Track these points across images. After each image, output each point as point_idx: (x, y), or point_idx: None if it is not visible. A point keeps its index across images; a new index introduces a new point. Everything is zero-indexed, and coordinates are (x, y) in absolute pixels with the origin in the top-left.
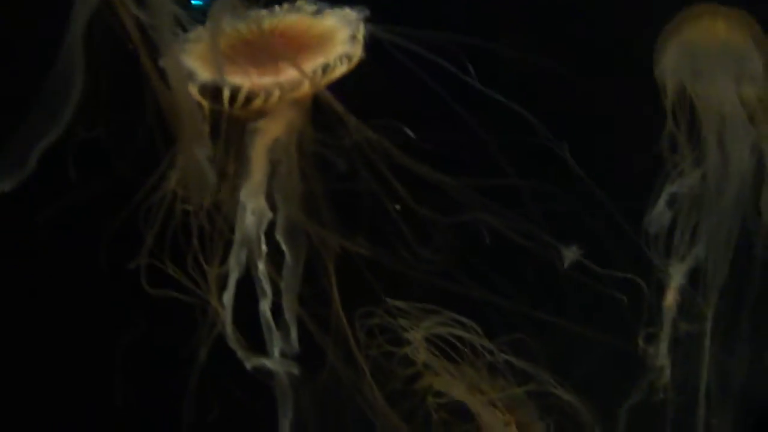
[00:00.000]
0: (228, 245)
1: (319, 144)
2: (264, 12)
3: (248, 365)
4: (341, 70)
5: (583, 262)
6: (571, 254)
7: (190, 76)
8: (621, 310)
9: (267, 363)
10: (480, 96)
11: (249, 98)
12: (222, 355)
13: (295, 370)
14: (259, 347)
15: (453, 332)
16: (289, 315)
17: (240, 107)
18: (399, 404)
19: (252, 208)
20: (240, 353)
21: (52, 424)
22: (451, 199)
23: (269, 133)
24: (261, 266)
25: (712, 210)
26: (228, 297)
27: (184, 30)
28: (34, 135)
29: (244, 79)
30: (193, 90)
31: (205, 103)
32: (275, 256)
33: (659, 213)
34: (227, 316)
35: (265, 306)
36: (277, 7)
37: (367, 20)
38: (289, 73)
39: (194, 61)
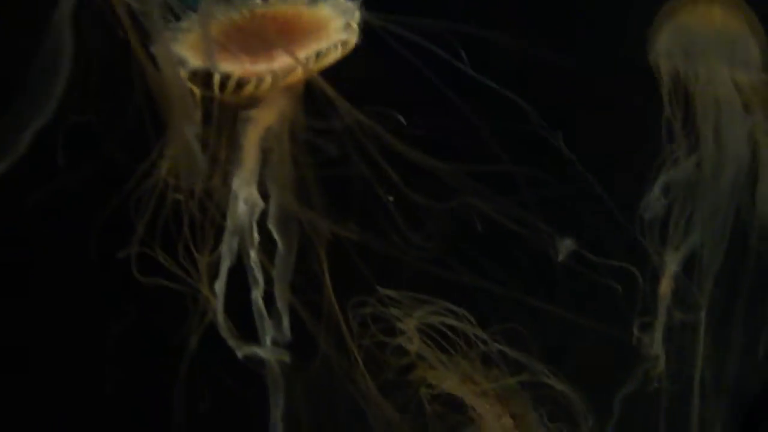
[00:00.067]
0: (219, 233)
1: (311, 130)
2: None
3: (240, 354)
4: (334, 56)
5: (577, 251)
6: (565, 248)
7: (182, 62)
8: (615, 299)
9: (258, 352)
10: (473, 83)
11: (240, 84)
12: (213, 343)
13: (287, 359)
14: (251, 336)
15: (446, 322)
16: (281, 303)
17: (231, 93)
18: (392, 394)
19: (244, 197)
20: (231, 342)
21: (43, 412)
22: (443, 185)
23: (261, 122)
24: (253, 254)
25: (707, 198)
26: (219, 285)
27: (176, 17)
28: (22, 120)
29: (236, 66)
30: (184, 75)
31: (196, 90)
32: (267, 245)
33: (654, 199)
34: (219, 304)
35: (257, 294)
36: None
37: (361, 7)
38: (281, 60)
39: (186, 50)
